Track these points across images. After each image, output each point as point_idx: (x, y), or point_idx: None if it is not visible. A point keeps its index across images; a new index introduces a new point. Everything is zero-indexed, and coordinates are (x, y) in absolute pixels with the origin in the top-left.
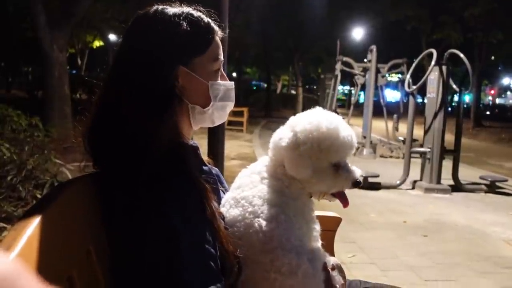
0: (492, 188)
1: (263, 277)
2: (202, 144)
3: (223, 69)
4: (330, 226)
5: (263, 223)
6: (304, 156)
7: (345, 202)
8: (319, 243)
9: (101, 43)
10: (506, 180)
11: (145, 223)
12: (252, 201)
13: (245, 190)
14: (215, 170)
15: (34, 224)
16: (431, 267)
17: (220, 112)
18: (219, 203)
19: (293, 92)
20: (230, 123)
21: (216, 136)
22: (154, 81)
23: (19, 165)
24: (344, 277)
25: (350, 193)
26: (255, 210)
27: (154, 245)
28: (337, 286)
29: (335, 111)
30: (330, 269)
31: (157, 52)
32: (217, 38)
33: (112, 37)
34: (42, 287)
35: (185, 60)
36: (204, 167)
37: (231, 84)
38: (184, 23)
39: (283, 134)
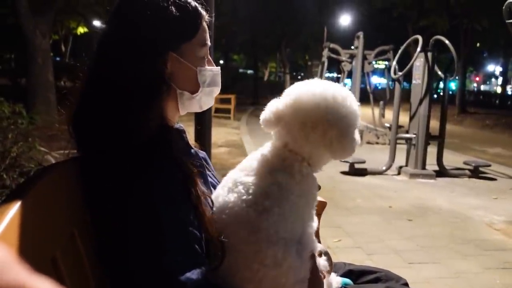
0: (476, 173)
1: (246, 266)
2: (189, 132)
3: (210, 54)
4: (316, 210)
5: (254, 214)
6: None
7: None
8: (315, 223)
9: (86, 30)
10: (489, 165)
11: (128, 205)
12: (249, 189)
13: (248, 175)
14: (202, 153)
15: (16, 207)
16: (416, 251)
17: (208, 97)
18: (206, 187)
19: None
20: (217, 110)
21: (203, 123)
22: (144, 67)
23: (3, 153)
24: (331, 264)
25: (337, 179)
26: (249, 200)
27: (137, 227)
28: (324, 273)
29: None
30: (317, 256)
31: (146, 37)
32: (204, 23)
33: (97, 23)
34: (30, 276)
35: (174, 45)
36: (191, 150)
37: (218, 69)
38: (172, 8)
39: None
